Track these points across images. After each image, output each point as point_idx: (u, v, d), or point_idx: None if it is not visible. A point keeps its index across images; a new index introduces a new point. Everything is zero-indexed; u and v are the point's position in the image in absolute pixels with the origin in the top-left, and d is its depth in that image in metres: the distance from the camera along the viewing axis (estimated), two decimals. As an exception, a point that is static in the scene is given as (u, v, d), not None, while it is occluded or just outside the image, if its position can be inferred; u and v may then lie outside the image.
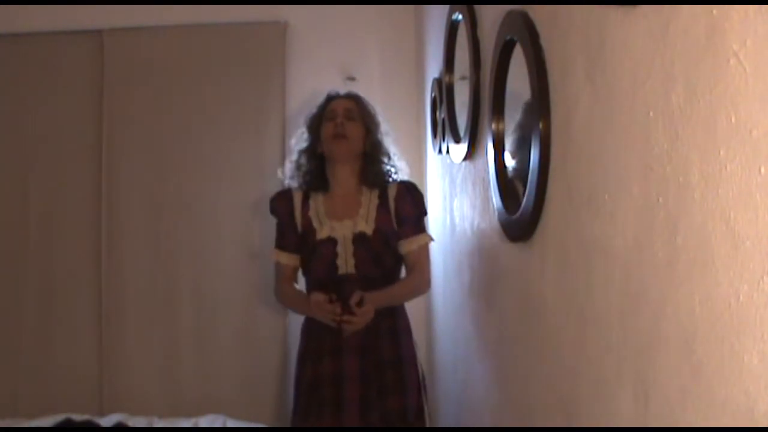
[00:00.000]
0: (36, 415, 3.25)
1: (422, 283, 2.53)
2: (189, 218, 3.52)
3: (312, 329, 2.47)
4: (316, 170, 2.52)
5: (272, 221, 2.59)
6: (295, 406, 2.51)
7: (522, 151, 1.64)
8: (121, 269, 3.50)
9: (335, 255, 2.41)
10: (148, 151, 3.53)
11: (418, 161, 3.53)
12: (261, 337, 3.47)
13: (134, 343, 3.49)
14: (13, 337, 3.50)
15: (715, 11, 0.84)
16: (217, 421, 3.15)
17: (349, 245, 2.40)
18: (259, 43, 3.54)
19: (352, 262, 2.41)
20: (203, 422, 3.14)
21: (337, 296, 2.35)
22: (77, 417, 3.14)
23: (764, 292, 0.75)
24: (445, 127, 2.66)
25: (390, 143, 2.57)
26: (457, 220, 2.58)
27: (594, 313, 1.25)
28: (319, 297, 2.31)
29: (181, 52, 3.55)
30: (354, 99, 2.57)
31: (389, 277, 2.48)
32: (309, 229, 2.46)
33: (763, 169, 0.76)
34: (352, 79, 3.49)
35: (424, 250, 2.51)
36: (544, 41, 1.48)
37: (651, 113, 1.01)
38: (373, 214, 2.45)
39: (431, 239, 2.54)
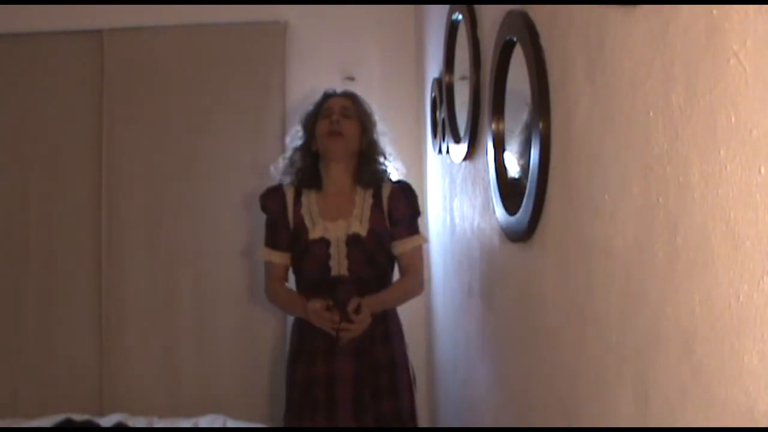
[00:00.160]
0: (36, 415, 3.25)
1: (416, 286, 2.52)
2: (189, 218, 3.52)
3: (304, 329, 2.44)
4: (310, 168, 2.49)
5: (271, 221, 2.58)
6: (288, 407, 2.48)
7: (522, 151, 1.64)
8: (121, 269, 3.50)
9: (328, 256, 2.38)
10: (148, 151, 3.53)
11: (418, 161, 3.53)
12: (261, 336, 3.47)
13: (134, 343, 3.49)
14: (13, 337, 3.50)
15: (715, 11, 0.84)
16: (217, 421, 3.15)
17: (342, 247, 2.38)
18: (259, 43, 3.54)
19: (345, 263, 2.38)
20: (203, 422, 3.14)
21: (332, 299, 2.34)
22: (77, 417, 3.14)
23: (764, 292, 0.75)
24: (445, 127, 2.66)
25: (386, 143, 2.56)
26: (457, 220, 2.58)
27: (594, 313, 1.25)
28: (316, 305, 2.29)
29: (181, 52, 3.55)
30: (350, 97, 2.56)
31: (382, 278, 2.46)
32: (301, 227, 2.43)
33: (763, 169, 0.76)
34: (351, 79, 3.49)
35: (418, 252, 2.50)
36: (544, 41, 1.48)
37: (651, 113, 1.01)
38: (367, 214, 2.43)
39: (425, 240, 2.53)
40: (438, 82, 2.85)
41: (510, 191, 1.76)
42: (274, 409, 3.44)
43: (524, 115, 1.59)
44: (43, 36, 3.55)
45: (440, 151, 2.82)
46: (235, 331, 3.47)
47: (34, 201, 3.54)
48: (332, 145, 2.44)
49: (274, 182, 2.59)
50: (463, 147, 2.30)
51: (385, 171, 2.52)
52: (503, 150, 1.80)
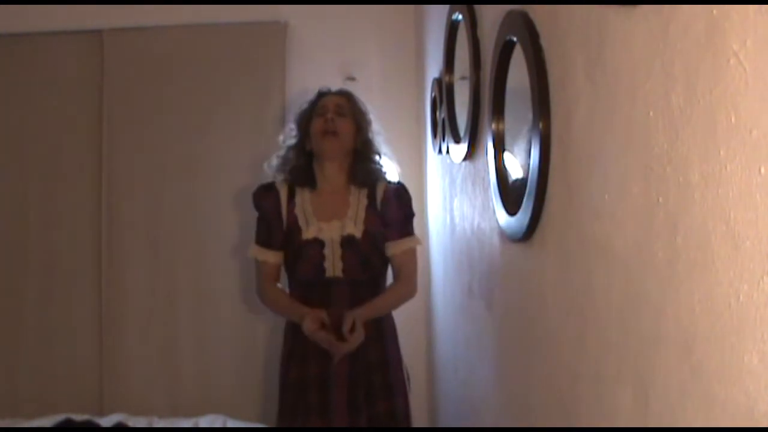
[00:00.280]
0: (36, 415, 3.25)
1: (409, 291, 2.49)
2: (189, 218, 3.52)
3: (297, 330, 2.40)
4: (304, 166, 2.46)
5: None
6: (281, 408, 2.45)
7: (522, 150, 1.64)
8: (121, 269, 3.50)
9: (323, 258, 2.35)
10: (148, 151, 3.53)
11: (418, 161, 3.54)
12: (262, 336, 3.47)
13: (134, 343, 3.49)
14: (13, 337, 3.50)
15: (715, 11, 0.84)
16: (217, 421, 3.15)
17: (337, 248, 2.36)
18: (259, 43, 3.54)
19: (340, 265, 2.36)
20: (203, 422, 3.14)
21: (326, 309, 2.32)
22: (77, 417, 3.14)
23: (764, 292, 0.75)
24: (445, 127, 2.66)
25: (381, 142, 2.53)
26: (457, 220, 2.58)
27: (594, 313, 1.25)
28: (310, 325, 2.26)
29: (181, 52, 3.55)
30: (345, 95, 2.53)
31: (376, 280, 2.44)
32: (294, 227, 2.40)
33: (763, 169, 0.76)
34: (352, 79, 3.49)
35: (411, 254, 2.48)
36: (544, 41, 1.48)
37: (651, 113, 1.01)
38: (362, 215, 2.40)
39: (419, 243, 2.50)
40: (438, 82, 2.85)
41: (510, 191, 1.76)
42: (274, 409, 3.44)
43: (526, 115, 1.59)
44: (43, 36, 3.55)
45: (440, 151, 2.82)
46: (236, 331, 3.47)
47: (34, 201, 3.54)
48: (327, 144, 2.42)
49: (267, 180, 2.55)
50: (463, 147, 2.30)
51: (380, 170, 2.50)
52: (503, 150, 1.80)
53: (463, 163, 2.40)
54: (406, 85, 3.61)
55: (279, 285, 2.50)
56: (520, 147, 1.68)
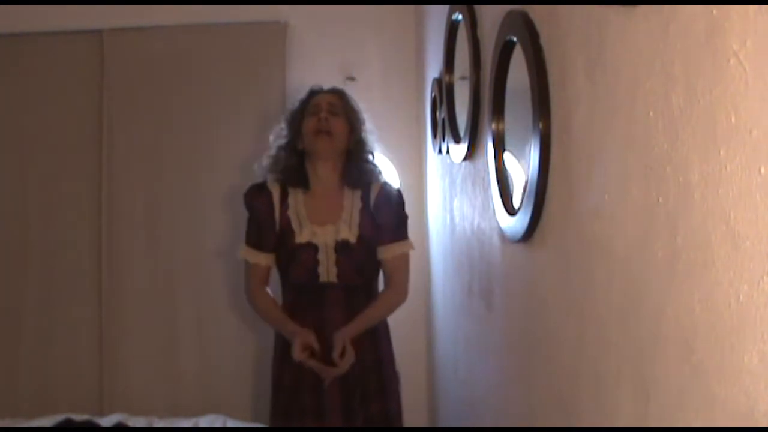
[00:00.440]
0: (36, 415, 3.25)
1: (400, 298, 2.44)
2: (189, 218, 3.52)
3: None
4: (296, 166, 2.40)
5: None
6: (274, 410, 2.40)
7: (522, 150, 1.64)
8: (121, 269, 3.50)
9: (317, 263, 2.30)
10: (148, 150, 3.53)
11: (418, 161, 3.54)
12: (262, 336, 3.46)
13: (134, 343, 3.49)
14: (13, 337, 3.50)
15: (715, 11, 0.84)
16: (217, 421, 3.15)
17: (331, 253, 2.31)
18: (259, 43, 3.54)
19: (334, 271, 2.31)
20: (203, 422, 3.14)
21: (317, 307, 2.29)
22: (77, 417, 3.14)
23: (764, 292, 0.75)
24: (445, 127, 2.66)
25: (374, 141, 2.47)
26: (457, 220, 2.58)
27: (594, 313, 1.25)
28: (299, 353, 2.21)
29: (181, 52, 3.55)
30: (338, 94, 2.47)
31: (370, 284, 2.41)
32: (287, 229, 2.34)
33: (763, 169, 0.76)
34: (352, 79, 3.49)
35: (403, 259, 2.43)
36: (544, 41, 1.48)
37: (651, 113, 1.01)
38: (356, 219, 2.35)
39: (411, 247, 2.45)
40: (438, 82, 2.85)
41: (510, 191, 1.76)
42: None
43: (526, 115, 1.59)
44: (43, 36, 3.55)
45: (440, 151, 2.82)
46: (236, 331, 3.47)
47: (34, 201, 3.54)
48: (320, 144, 2.36)
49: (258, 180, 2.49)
50: (463, 147, 2.30)
51: (373, 170, 2.44)
52: (503, 150, 1.81)
53: (463, 163, 2.40)
54: (406, 85, 3.61)
55: (269, 289, 2.44)
56: (520, 147, 1.68)
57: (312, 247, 2.31)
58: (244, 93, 3.51)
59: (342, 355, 2.22)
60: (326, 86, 2.51)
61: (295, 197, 2.37)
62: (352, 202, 2.37)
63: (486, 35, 2.03)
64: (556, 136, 1.43)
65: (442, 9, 2.66)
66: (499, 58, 1.75)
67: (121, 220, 3.51)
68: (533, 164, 1.50)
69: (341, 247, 2.31)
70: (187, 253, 3.51)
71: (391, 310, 2.43)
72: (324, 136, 2.35)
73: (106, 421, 3.11)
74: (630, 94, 1.08)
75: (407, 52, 3.62)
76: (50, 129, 3.54)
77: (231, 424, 3.14)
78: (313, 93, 2.46)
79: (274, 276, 2.46)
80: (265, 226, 2.38)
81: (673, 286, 0.96)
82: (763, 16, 0.75)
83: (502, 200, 1.77)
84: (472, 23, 2.15)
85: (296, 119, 2.42)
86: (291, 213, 2.35)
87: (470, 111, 2.17)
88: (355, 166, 2.40)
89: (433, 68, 3.03)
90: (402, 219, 2.45)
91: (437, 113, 2.87)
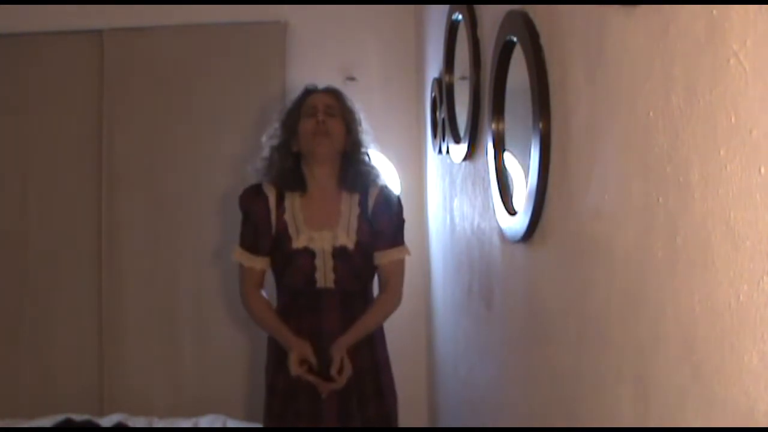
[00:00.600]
0: (36, 415, 3.25)
1: (395, 303, 2.41)
2: (189, 218, 3.52)
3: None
4: (292, 169, 2.34)
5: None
6: (268, 414, 2.35)
7: (522, 150, 1.64)
8: (121, 269, 3.50)
9: (314, 268, 2.27)
10: (148, 150, 3.53)
11: (418, 161, 3.54)
12: (261, 336, 3.46)
13: (134, 343, 3.49)
14: (13, 337, 3.50)
15: (715, 11, 0.84)
16: (217, 421, 3.15)
17: (328, 259, 2.27)
18: (259, 43, 3.54)
19: (332, 276, 2.28)
20: (203, 422, 3.14)
21: (313, 311, 2.27)
22: (77, 417, 3.14)
23: (764, 292, 0.75)
24: (445, 127, 2.66)
25: (370, 141, 2.42)
26: (457, 220, 2.58)
27: (594, 313, 1.25)
28: (296, 369, 2.19)
29: (181, 52, 3.55)
30: (334, 94, 2.41)
31: (366, 288, 2.39)
32: (284, 234, 2.29)
33: (763, 169, 0.76)
34: (352, 79, 3.49)
35: (400, 265, 2.39)
36: (544, 41, 1.48)
37: (651, 113, 1.01)
38: (354, 225, 2.31)
39: (408, 253, 2.42)
40: (438, 82, 2.85)
41: (510, 191, 1.76)
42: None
43: (526, 115, 1.59)
44: (43, 36, 3.55)
45: (440, 151, 2.82)
46: (236, 331, 3.47)
47: (34, 201, 3.54)
48: (318, 147, 2.30)
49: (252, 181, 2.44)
50: (463, 147, 2.30)
51: (371, 173, 2.39)
52: (503, 150, 1.81)
53: (463, 163, 2.40)
54: (406, 85, 3.61)
55: (264, 292, 2.41)
56: (520, 147, 1.68)
57: (309, 253, 2.27)
58: (244, 93, 3.51)
59: (340, 370, 2.21)
60: (321, 85, 2.45)
61: (292, 201, 2.32)
62: (350, 207, 2.33)
63: (486, 35, 2.03)
64: (556, 136, 1.43)
65: (442, 9, 2.66)
66: (499, 58, 1.75)
67: (121, 220, 3.51)
68: (533, 164, 1.50)
69: (339, 253, 2.28)
70: (187, 253, 3.51)
71: (387, 315, 2.41)
72: (322, 138, 2.30)
73: (106, 421, 3.11)
74: (630, 94, 1.08)
75: (407, 52, 3.62)
76: (50, 129, 3.54)
77: (231, 424, 3.14)
78: (309, 92, 2.40)
79: (268, 278, 2.43)
80: (261, 230, 2.33)
81: (673, 286, 0.96)
82: (763, 16, 0.75)
83: (502, 200, 1.77)
84: (472, 23, 2.15)
85: (291, 120, 2.36)
86: (287, 217, 2.31)
87: (470, 111, 2.17)
88: (352, 169, 2.35)
89: (433, 68, 3.03)
90: (399, 224, 2.42)
91: (437, 113, 2.87)
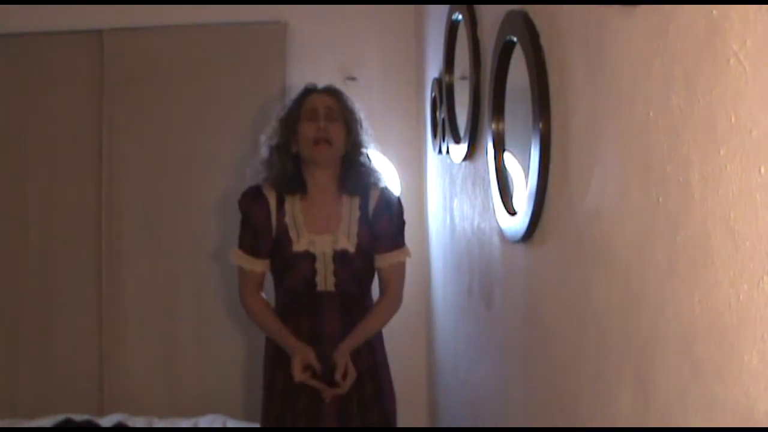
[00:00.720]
0: (36, 415, 3.25)
1: (397, 306, 2.41)
2: (189, 218, 3.52)
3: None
4: (292, 172, 2.32)
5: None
6: (266, 414, 2.34)
7: (522, 150, 1.64)
8: (121, 269, 3.50)
9: (314, 272, 2.26)
10: (148, 150, 3.53)
11: (418, 161, 3.54)
12: (261, 336, 3.46)
13: (134, 343, 3.49)
14: (13, 337, 3.50)
15: (715, 11, 0.84)
16: (217, 421, 3.15)
17: (329, 263, 2.26)
18: (259, 43, 3.54)
19: (332, 280, 2.27)
20: (203, 422, 3.14)
21: (313, 313, 2.26)
22: (77, 417, 3.14)
23: (764, 292, 0.75)
24: (445, 127, 2.66)
25: (370, 141, 2.41)
26: (457, 220, 2.58)
27: (594, 313, 1.25)
28: (299, 375, 2.18)
29: (181, 52, 3.55)
30: (334, 95, 2.36)
31: (366, 291, 2.39)
32: (284, 237, 2.28)
33: (763, 169, 0.76)
34: (352, 79, 3.49)
35: (400, 268, 2.40)
36: (544, 41, 1.48)
37: (651, 113, 1.01)
38: (355, 228, 2.30)
39: (408, 255, 2.42)
40: (438, 82, 2.85)
41: (510, 191, 1.76)
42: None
43: (526, 115, 1.59)
44: (43, 36, 3.55)
45: (440, 151, 2.82)
46: (236, 331, 3.47)
47: (34, 201, 3.54)
48: (320, 154, 2.29)
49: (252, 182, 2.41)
50: (463, 147, 2.30)
51: (371, 175, 2.38)
52: (503, 150, 1.81)
53: (463, 163, 2.40)
54: (406, 85, 3.61)
55: (263, 294, 2.40)
56: (520, 147, 1.68)
57: (309, 256, 2.26)
58: (244, 93, 3.51)
59: (344, 375, 2.20)
60: (321, 84, 2.42)
61: (292, 204, 2.31)
62: (350, 210, 2.32)
63: (486, 35, 2.03)
64: (556, 136, 1.43)
65: (442, 9, 2.66)
66: (499, 58, 1.75)
67: (121, 220, 3.51)
68: (533, 164, 1.50)
69: (340, 256, 2.27)
70: (187, 253, 3.51)
71: (389, 318, 2.40)
72: (324, 145, 2.28)
73: (106, 421, 3.11)
74: (630, 94, 1.08)
75: (407, 52, 3.62)
76: (50, 129, 3.54)
77: (231, 424, 3.14)
78: (309, 92, 2.37)
79: (267, 278, 2.42)
80: (261, 233, 2.31)
81: (673, 286, 0.96)
82: (763, 16, 0.75)
83: (502, 200, 1.77)
84: (472, 23, 2.15)
85: (291, 120, 2.33)
86: (288, 220, 2.29)
87: (470, 111, 2.17)
88: (352, 172, 2.34)
89: (433, 68, 3.03)
90: (400, 226, 2.41)
91: (437, 113, 2.87)
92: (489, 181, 1.89)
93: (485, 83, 2.00)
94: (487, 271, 2.10)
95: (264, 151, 2.38)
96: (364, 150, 2.38)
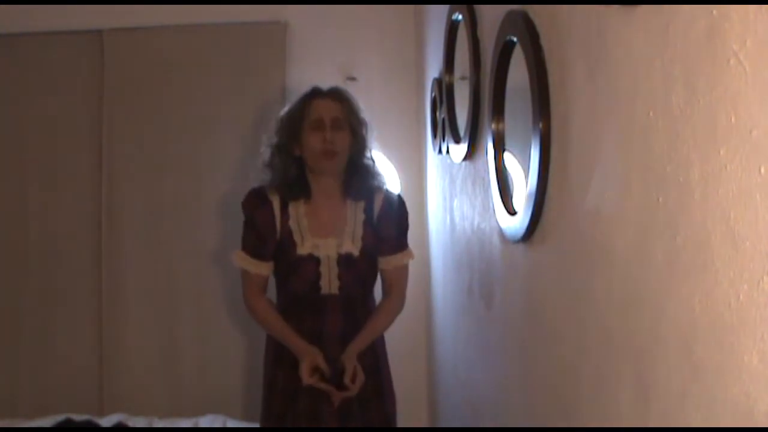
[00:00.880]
0: (36, 415, 3.25)
1: (400, 307, 2.42)
2: (189, 218, 3.52)
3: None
4: (296, 177, 2.30)
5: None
6: (267, 413, 2.34)
7: (522, 150, 1.64)
8: (121, 269, 3.50)
9: (318, 275, 2.26)
10: (148, 151, 3.53)
11: (418, 161, 3.54)
12: (261, 336, 3.46)
13: (134, 343, 3.49)
14: (13, 337, 3.50)
15: (715, 11, 0.84)
16: (217, 421, 3.15)
17: (333, 266, 2.26)
18: (259, 43, 3.54)
19: (336, 283, 2.26)
20: (203, 422, 3.14)
21: (316, 315, 2.26)
22: (77, 417, 3.14)
23: (764, 292, 0.75)
24: (445, 127, 2.66)
25: (373, 141, 2.38)
26: (457, 220, 2.58)
27: (594, 313, 1.25)
28: (308, 378, 2.17)
29: (181, 52, 3.55)
30: (340, 101, 2.32)
31: (369, 293, 2.39)
32: (288, 240, 2.27)
33: (763, 169, 0.76)
34: (352, 79, 3.49)
35: (404, 270, 2.40)
36: (544, 41, 1.48)
37: (651, 113, 1.01)
38: (359, 232, 2.30)
39: (412, 257, 2.42)
40: (438, 82, 2.85)
41: (510, 191, 1.76)
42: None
43: (526, 115, 1.59)
44: (43, 36, 3.55)
45: (440, 151, 2.82)
46: (235, 331, 3.47)
47: (34, 201, 3.54)
48: (326, 166, 2.28)
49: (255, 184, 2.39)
50: (463, 147, 2.30)
51: (375, 178, 2.37)
52: (503, 150, 1.81)
53: (463, 163, 2.40)
54: (406, 85, 3.61)
55: (267, 297, 2.39)
56: (520, 147, 1.68)
57: (314, 260, 2.26)
58: (244, 93, 3.51)
59: (353, 378, 2.20)
60: (326, 86, 2.38)
61: (296, 207, 2.30)
62: (355, 213, 2.32)
63: (486, 35, 2.03)
64: (556, 136, 1.43)
65: (442, 9, 2.66)
66: (499, 58, 1.75)
67: (121, 220, 3.51)
68: (533, 164, 1.50)
69: (344, 260, 2.27)
70: (187, 253, 3.51)
71: (393, 319, 2.41)
72: (330, 157, 2.26)
73: (106, 421, 3.11)
74: (630, 94, 1.08)
75: (407, 52, 3.62)
76: (50, 129, 3.54)
77: (231, 424, 3.14)
78: (314, 95, 2.33)
79: (269, 279, 2.41)
80: (265, 236, 2.30)
81: (673, 286, 0.96)
82: (763, 16, 0.75)
83: (502, 200, 1.77)
84: (472, 23, 2.15)
85: (295, 125, 2.30)
86: (292, 223, 2.28)
87: (470, 111, 2.17)
88: (357, 177, 2.32)
89: (433, 68, 3.03)
90: (404, 229, 2.41)
91: (437, 113, 2.87)
92: (489, 181, 1.89)
93: (485, 83, 2.00)
94: (487, 271, 2.10)
95: (266, 153, 2.36)
96: (368, 153, 2.37)
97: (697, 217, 0.89)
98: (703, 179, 0.88)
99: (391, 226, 2.36)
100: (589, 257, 1.27)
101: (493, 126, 1.82)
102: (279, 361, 2.30)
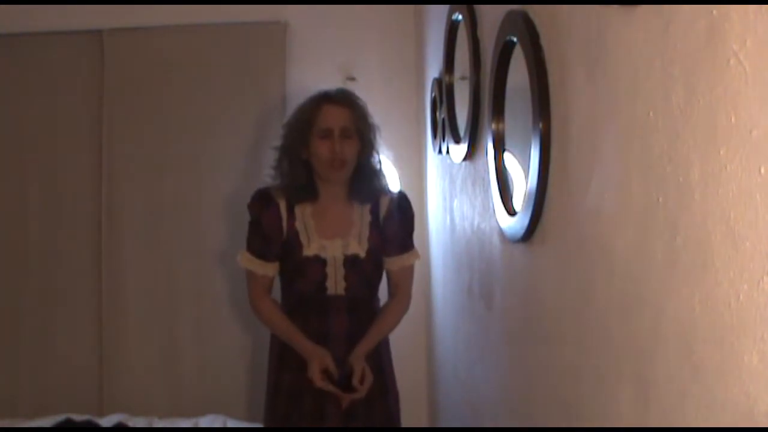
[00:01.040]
0: (36, 415, 3.25)
1: (406, 307, 2.43)
2: (189, 218, 3.52)
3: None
4: (304, 179, 2.30)
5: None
6: (271, 414, 2.34)
7: (522, 150, 1.64)
8: (121, 269, 3.50)
9: (325, 276, 2.26)
10: (148, 151, 3.53)
11: (418, 161, 3.54)
12: (261, 336, 3.46)
13: (134, 343, 3.49)
14: (13, 337, 3.50)
15: (715, 11, 0.84)
16: (217, 421, 3.15)
17: (339, 267, 2.27)
18: (259, 43, 3.54)
19: (343, 284, 2.27)
20: (203, 422, 3.14)
21: (321, 316, 2.26)
22: (77, 417, 3.14)
23: (764, 292, 0.75)
24: (445, 127, 2.66)
25: (379, 140, 2.39)
26: (457, 220, 2.58)
27: (594, 313, 1.25)
28: (318, 381, 2.18)
29: (181, 52, 3.55)
30: (349, 107, 2.31)
31: (374, 293, 2.39)
32: (294, 241, 2.28)
33: (763, 169, 0.76)
34: (352, 79, 3.49)
35: (410, 270, 2.42)
36: (544, 41, 1.48)
37: (651, 113, 1.01)
38: (366, 233, 2.31)
39: (418, 257, 2.44)
40: (438, 82, 2.85)
41: (510, 191, 1.76)
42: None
43: (526, 115, 1.59)
44: (43, 36, 3.55)
45: (440, 151, 2.82)
46: (236, 331, 3.47)
47: (34, 201, 3.54)
48: (335, 175, 2.28)
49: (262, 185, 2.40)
50: (463, 147, 2.30)
51: (381, 181, 2.38)
52: (503, 150, 1.81)
53: (463, 163, 2.40)
54: (406, 85, 3.61)
55: (272, 297, 2.40)
56: (520, 147, 1.68)
57: (320, 261, 2.27)
58: (244, 93, 3.51)
59: (362, 380, 2.21)
60: (334, 89, 2.37)
61: (303, 208, 2.31)
62: (361, 215, 2.33)
63: (486, 35, 2.03)
64: (556, 136, 1.43)
65: (442, 9, 2.66)
66: (499, 58, 1.75)
67: (121, 220, 3.51)
68: (533, 164, 1.50)
69: (350, 261, 2.28)
70: (187, 253, 3.51)
71: (400, 320, 2.42)
72: (339, 167, 2.26)
73: (106, 421, 3.11)
74: (630, 94, 1.08)
75: (407, 52, 3.62)
76: (50, 129, 3.54)
77: (231, 424, 3.14)
78: (323, 100, 2.31)
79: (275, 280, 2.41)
80: (271, 237, 2.31)
81: (673, 286, 0.96)
82: (763, 16, 0.75)
83: (502, 200, 1.77)
84: (472, 23, 2.15)
85: (303, 130, 2.29)
86: (298, 225, 2.29)
87: (470, 111, 2.17)
88: (364, 180, 2.33)
89: (433, 68, 3.03)
90: (410, 230, 2.43)
91: (437, 113, 2.87)
92: (489, 181, 1.89)
93: (485, 83, 2.00)
94: (487, 271, 2.10)
95: (273, 155, 2.37)
96: (376, 157, 2.38)
97: (697, 217, 0.89)
98: (703, 179, 0.88)
99: (398, 226, 2.37)
100: (589, 257, 1.27)
101: (493, 126, 1.82)
102: (285, 362, 2.31)
